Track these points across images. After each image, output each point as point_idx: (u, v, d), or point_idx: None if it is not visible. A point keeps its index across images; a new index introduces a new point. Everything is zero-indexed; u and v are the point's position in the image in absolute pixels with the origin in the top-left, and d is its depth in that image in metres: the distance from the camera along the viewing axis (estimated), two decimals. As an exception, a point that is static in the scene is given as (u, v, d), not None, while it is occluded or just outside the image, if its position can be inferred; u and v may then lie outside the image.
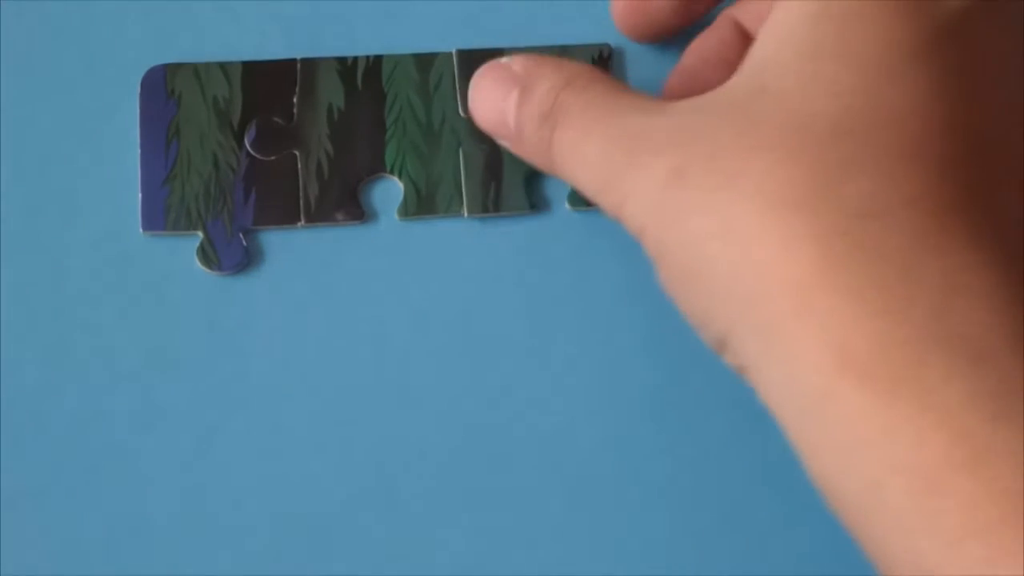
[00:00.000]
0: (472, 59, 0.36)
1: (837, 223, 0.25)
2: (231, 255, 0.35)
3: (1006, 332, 0.24)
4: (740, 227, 0.26)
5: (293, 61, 0.36)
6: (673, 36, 0.36)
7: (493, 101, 0.32)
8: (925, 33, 0.26)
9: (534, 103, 0.31)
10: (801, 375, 0.25)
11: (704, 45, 0.34)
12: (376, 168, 0.36)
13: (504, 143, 0.33)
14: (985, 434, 0.23)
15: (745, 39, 0.33)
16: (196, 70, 0.36)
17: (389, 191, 0.36)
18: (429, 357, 0.35)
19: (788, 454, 0.34)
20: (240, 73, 0.36)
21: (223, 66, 0.36)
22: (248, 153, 0.36)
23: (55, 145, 0.36)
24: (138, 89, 0.36)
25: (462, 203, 0.36)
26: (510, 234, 0.36)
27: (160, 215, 0.35)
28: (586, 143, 0.29)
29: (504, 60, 0.32)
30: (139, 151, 0.35)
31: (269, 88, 0.36)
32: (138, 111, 0.36)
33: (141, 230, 0.35)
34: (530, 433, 0.34)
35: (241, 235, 0.35)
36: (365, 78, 0.36)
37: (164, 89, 0.36)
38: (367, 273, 0.35)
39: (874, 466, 0.24)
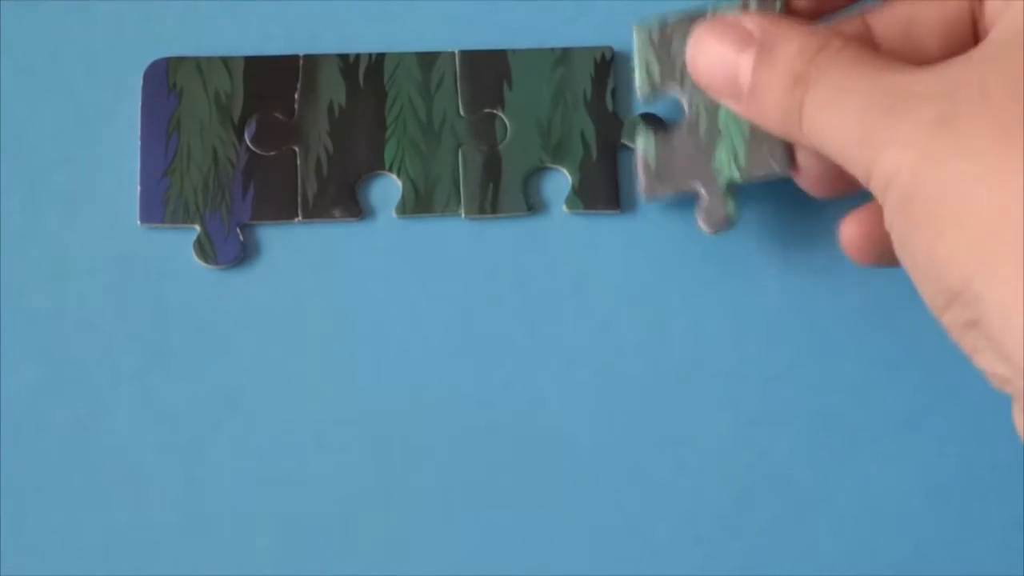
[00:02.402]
0: (474, 60, 0.36)
1: None
2: (228, 249, 0.35)
3: None
4: (1007, 173, 0.26)
5: (295, 57, 0.36)
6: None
7: (720, 56, 0.31)
8: None
9: (782, 64, 0.30)
10: None
11: None
12: (375, 166, 0.36)
13: (727, 102, 0.32)
14: None
15: (870, 44, 0.34)
16: (198, 64, 0.36)
17: (387, 189, 0.36)
18: (424, 354, 0.35)
19: (788, 455, 0.34)
20: (242, 68, 0.36)
21: (225, 60, 0.36)
22: (248, 148, 0.36)
23: (55, 139, 0.36)
24: (139, 84, 0.36)
25: (460, 203, 0.36)
26: (507, 235, 0.36)
27: (159, 208, 0.35)
28: (845, 100, 0.29)
29: (731, 16, 0.32)
30: (139, 143, 0.36)
31: (271, 83, 0.36)
32: (139, 104, 0.36)
33: (139, 222, 0.35)
34: (529, 433, 0.34)
35: (238, 229, 0.35)
36: (367, 76, 0.36)
37: (166, 82, 0.36)
38: (363, 270, 0.35)
39: None
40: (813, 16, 0.34)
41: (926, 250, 0.28)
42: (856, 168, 0.29)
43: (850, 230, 0.34)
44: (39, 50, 0.36)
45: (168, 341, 0.35)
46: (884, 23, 0.34)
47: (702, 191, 0.35)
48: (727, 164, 0.34)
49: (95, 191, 0.35)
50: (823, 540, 0.34)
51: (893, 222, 0.29)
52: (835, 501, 0.34)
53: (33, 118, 0.36)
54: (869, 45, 0.31)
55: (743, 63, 0.31)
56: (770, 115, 0.31)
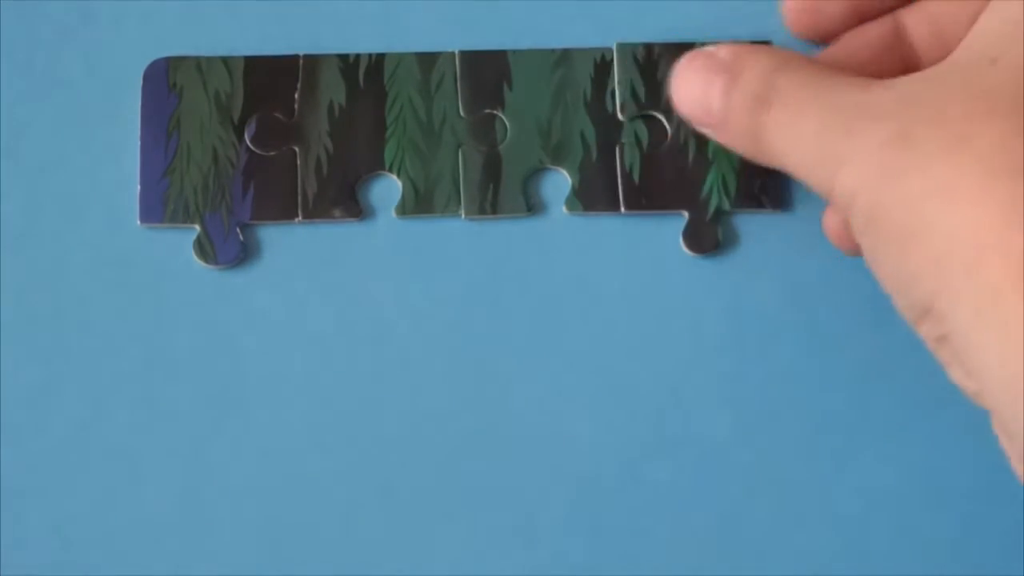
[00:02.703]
0: (475, 60, 0.36)
1: None
2: (227, 249, 0.35)
3: None
4: (963, 190, 0.26)
5: (296, 57, 0.36)
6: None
7: (698, 87, 0.32)
8: None
9: (744, 87, 0.31)
10: (1019, 343, 0.25)
11: (853, 39, 0.35)
12: (375, 166, 0.36)
13: (706, 131, 0.33)
14: None
15: (899, 42, 0.34)
16: (198, 64, 0.36)
17: (387, 189, 0.36)
18: (423, 354, 0.35)
19: (788, 455, 0.34)
20: (242, 68, 0.36)
21: (225, 60, 0.36)
22: (248, 148, 0.36)
23: (55, 139, 0.36)
24: (138, 84, 0.36)
25: (460, 203, 0.36)
26: (507, 235, 0.36)
27: (158, 207, 0.35)
28: (802, 119, 0.30)
29: (710, 48, 0.32)
30: (139, 143, 0.36)
31: (271, 83, 0.36)
32: (139, 104, 0.36)
33: (139, 222, 0.35)
34: (528, 433, 0.34)
35: (238, 229, 0.35)
36: (367, 76, 0.36)
37: (166, 82, 0.36)
38: (363, 270, 0.35)
39: None
40: (853, 17, 0.34)
41: (893, 266, 0.28)
42: (818, 186, 0.29)
43: (832, 220, 0.34)
44: (39, 50, 0.36)
45: (168, 341, 0.35)
46: (915, 20, 0.34)
47: (687, 216, 0.35)
48: (716, 193, 0.35)
49: (95, 191, 0.35)
50: (823, 540, 0.34)
51: (860, 239, 0.29)
52: (835, 501, 0.34)
53: (33, 118, 0.36)
54: (827, 65, 0.31)
55: (715, 91, 0.31)
56: (739, 139, 0.32)
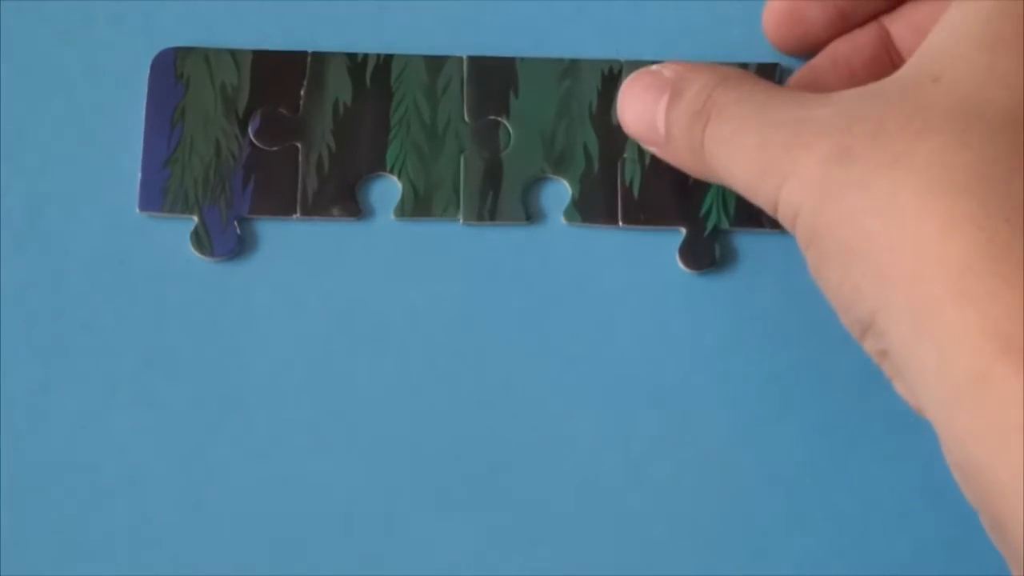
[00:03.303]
0: (482, 66, 0.36)
1: (1002, 210, 0.25)
2: (224, 242, 0.35)
3: None
4: (902, 205, 0.26)
5: (304, 53, 0.37)
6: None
7: (643, 105, 0.32)
8: None
9: (686, 103, 0.31)
10: (956, 358, 0.25)
11: (840, 47, 0.35)
12: (376, 166, 0.36)
13: (651, 149, 0.33)
14: None
15: (886, 49, 0.34)
16: (206, 55, 0.36)
17: (388, 190, 0.36)
18: (420, 354, 0.35)
19: (788, 456, 0.34)
20: (250, 61, 0.36)
21: (233, 53, 0.36)
22: (251, 142, 0.36)
23: (55, 136, 0.36)
24: (141, 80, 0.36)
25: (459, 208, 0.36)
26: (504, 242, 0.36)
27: (158, 196, 0.35)
28: (743, 134, 0.30)
29: (654, 67, 0.33)
30: (143, 131, 0.36)
31: (277, 79, 0.36)
32: (141, 99, 0.36)
33: (138, 209, 0.35)
34: (528, 432, 0.34)
35: (236, 223, 0.35)
36: (374, 76, 0.36)
37: (173, 72, 0.36)
38: (360, 269, 0.35)
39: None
40: (836, 28, 0.34)
41: (836, 282, 0.28)
42: (762, 202, 0.29)
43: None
44: (39, 49, 0.37)
45: (163, 332, 0.35)
46: (900, 26, 0.34)
47: (684, 232, 0.35)
48: (715, 211, 0.35)
49: (94, 186, 0.35)
50: (823, 540, 0.34)
51: (805, 254, 0.29)
52: (835, 501, 0.34)
53: (33, 116, 0.36)
54: (768, 81, 0.31)
55: (659, 110, 0.31)
56: (683, 156, 0.32)
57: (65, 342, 0.35)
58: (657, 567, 0.34)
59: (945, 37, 0.28)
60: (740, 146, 0.29)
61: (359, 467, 0.34)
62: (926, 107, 0.27)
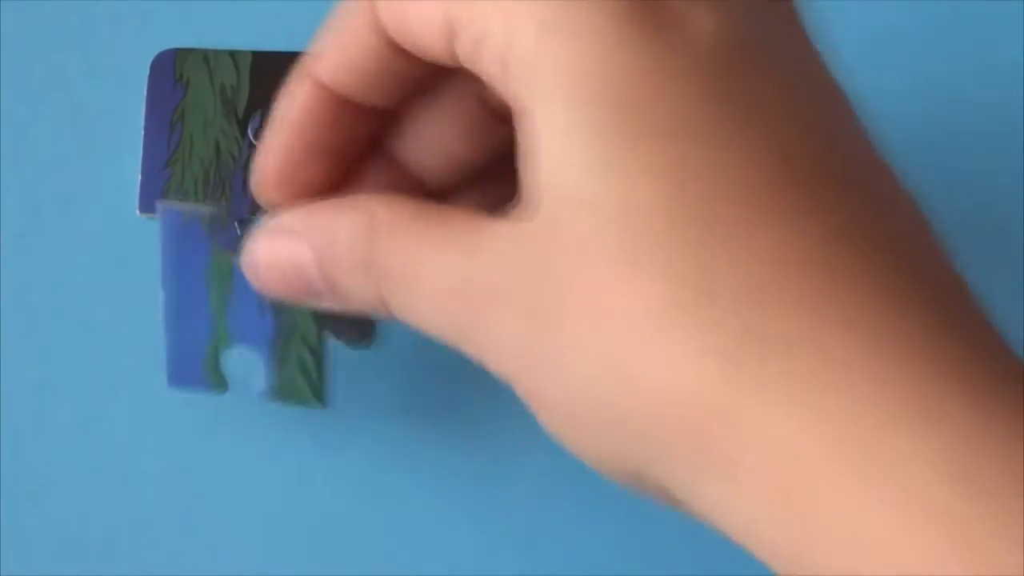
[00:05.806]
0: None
1: (728, 337, 0.23)
2: (224, 243, 0.35)
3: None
4: (625, 364, 0.24)
5: (304, 54, 0.37)
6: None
7: (286, 261, 0.28)
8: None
9: (344, 254, 0.27)
10: (745, 487, 0.25)
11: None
12: (376, 167, 0.36)
13: (313, 304, 0.29)
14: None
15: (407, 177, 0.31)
16: (206, 56, 0.36)
17: (387, 190, 0.36)
18: (415, 355, 0.35)
19: None
20: (250, 62, 0.36)
21: (233, 54, 0.36)
22: (251, 143, 0.36)
23: (55, 137, 0.36)
24: (140, 81, 0.36)
25: (459, 208, 0.36)
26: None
27: (158, 198, 0.35)
28: (419, 299, 0.27)
29: (272, 222, 0.29)
30: (143, 133, 0.36)
31: (278, 79, 0.36)
32: (140, 101, 0.36)
33: (138, 211, 0.35)
34: (527, 432, 0.34)
35: (236, 224, 0.35)
36: (373, 77, 0.36)
37: (172, 73, 0.36)
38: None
39: (846, 559, 0.24)
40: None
41: (586, 450, 0.26)
42: (469, 353, 0.27)
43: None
44: (39, 49, 0.37)
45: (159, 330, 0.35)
46: (407, 148, 0.30)
47: None
48: None
49: (94, 188, 0.36)
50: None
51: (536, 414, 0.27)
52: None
53: (33, 116, 0.36)
54: (422, 209, 0.27)
55: (306, 260, 0.28)
56: (362, 307, 0.28)
57: (65, 342, 0.35)
58: (657, 567, 0.34)
59: (575, 157, 0.24)
60: (421, 312, 0.27)
61: (362, 466, 0.34)
62: (584, 236, 0.24)
